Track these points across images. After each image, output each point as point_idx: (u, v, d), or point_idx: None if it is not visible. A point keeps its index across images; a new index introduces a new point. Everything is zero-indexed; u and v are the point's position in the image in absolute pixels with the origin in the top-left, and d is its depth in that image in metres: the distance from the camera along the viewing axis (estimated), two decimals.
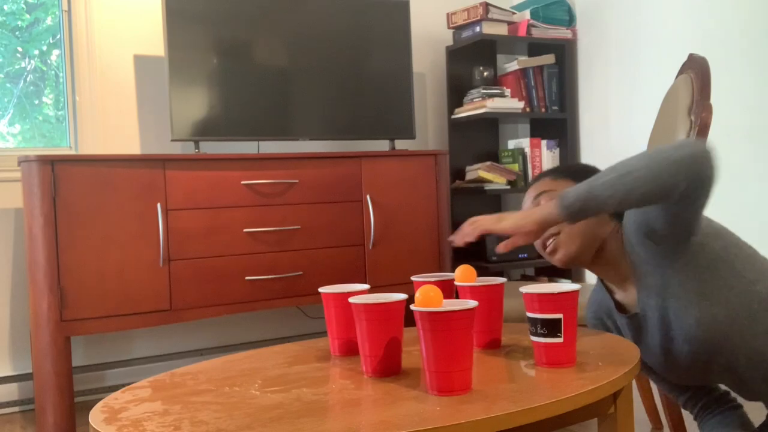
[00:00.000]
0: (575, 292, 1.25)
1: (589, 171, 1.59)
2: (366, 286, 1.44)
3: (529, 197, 1.60)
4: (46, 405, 2.43)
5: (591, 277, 3.54)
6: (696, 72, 2.04)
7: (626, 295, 1.56)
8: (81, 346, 2.96)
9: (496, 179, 3.48)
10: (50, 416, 2.42)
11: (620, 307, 1.57)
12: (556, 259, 1.52)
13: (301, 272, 2.83)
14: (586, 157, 3.63)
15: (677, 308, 1.40)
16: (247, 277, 2.73)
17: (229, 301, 2.71)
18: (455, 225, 3.56)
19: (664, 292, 1.42)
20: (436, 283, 1.46)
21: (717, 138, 2.72)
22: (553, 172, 1.61)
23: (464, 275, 1.46)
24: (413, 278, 1.52)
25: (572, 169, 1.60)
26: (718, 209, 2.91)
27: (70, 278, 2.45)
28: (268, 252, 2.78)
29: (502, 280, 1.44)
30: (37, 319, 2.42)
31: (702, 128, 1.94)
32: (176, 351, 3.15)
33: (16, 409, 2.83)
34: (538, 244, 1.56)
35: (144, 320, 2.57)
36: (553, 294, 1.24)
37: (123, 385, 2.94)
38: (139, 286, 2.56)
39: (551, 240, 1.52)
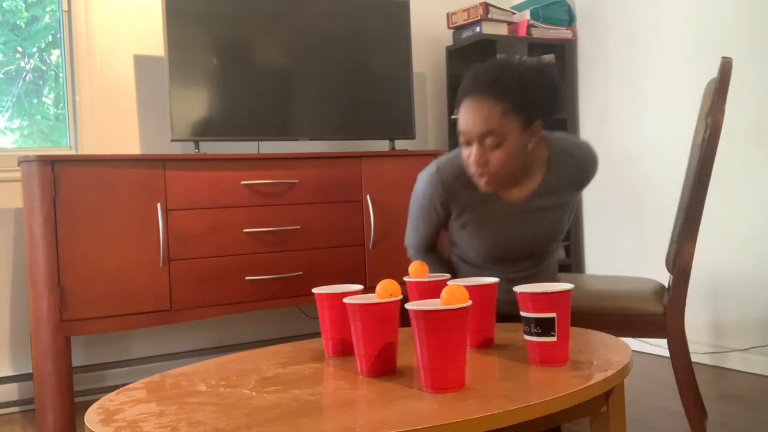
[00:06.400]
0: (568, 292, 1.26)
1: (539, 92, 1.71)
2: (359, 287, 1.44)
3: (468, 125, 1.68)
4: (46, 405, 2.43)
5: (590, 269, 3.53)
6: (719, 75, 2.04)
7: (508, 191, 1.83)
8: (81, 346, 2.97)
9: None
10: (50, 416, 2.43)
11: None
12: (485, 183, 1.72)
13: (301, 272, 2.84)
14: None
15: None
16: (247, 277, 2.74)
17: (229, 301, 2.71)
18: None
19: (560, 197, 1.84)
20: (430, 283, 1.47)
21: (723, 138, 2.72)
22: (500, 98, 1.65)
23: (418, 271, 1.50)
24: (405, 279, 1.52)
25: (521, 93, 1.66)
26: (725, 209, 2.92)
27: (70, 278, 2.46)
28: (268, 252, 2.79)
29: (495, 280, 1.44)
30: (37, 319, 2.43)
31: (713, 131, 1.94)
32: (176, 351, 3.16)
33: (16, 409, 2.83)
34: (473, 169, 1.71)
35: (144, 320, 2.58)
36: (546, 293, 1.24)
37: (123, 385, 2.95)
38: (139, 286, 2.56)
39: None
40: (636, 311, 2.04)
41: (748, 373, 2.83)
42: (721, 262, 2.95)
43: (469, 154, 1.70)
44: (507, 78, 1.62)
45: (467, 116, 1.66)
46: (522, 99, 1.62)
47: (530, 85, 1.64)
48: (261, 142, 3.17)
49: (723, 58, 2.06)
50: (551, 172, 1.81)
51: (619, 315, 2.06)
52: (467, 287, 1.41)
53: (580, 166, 1.83)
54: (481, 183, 1.73)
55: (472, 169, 1.71)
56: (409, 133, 3.31)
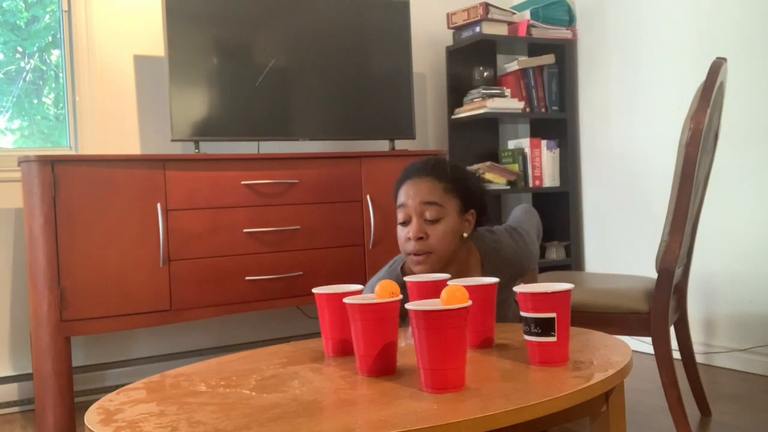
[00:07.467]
0: (568, 292, 1.26)
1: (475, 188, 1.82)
2: (359, 287, 1.44)
3: (410, 199, 1.73)
4: (46, 405, 2.43)
5: (590, 268, 3.53)
6: (706, 75, 2.03)
7: None
8: (81, 346, 2.97)
9: (496, 179, 3.48)
10: (50, 416, 2.43)
11: None
12: (421, 261, 1.73)
13: (301, 272, 2.84)
14: (586, 157, 3.63)
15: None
16: (247, 277, 2.74)
17: (229, 301, 2.71)
18: None
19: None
20: (430, 283, 1.47)
21: (722, 139, 2.72)
22: (440, 178, 1.75)
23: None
24: (406, 279, 1.52)
25: (458, 180, 1.77)
26: (725, 209, 2.92)
27: (70, 278, 2.46)
28: (268, 252, 2.79)
29: (494, 280, 1.44)
30: (37, 319, 2.43)
31: (694, 133, 1.94)
32: (176, 351, 3.16)
33: (16, 409, 2.83)
34: (409, 247, 1.73)
35: (144, 320, 2.58)
36: (546, 293, 1.24)
37: (123, 385, 2.94)
38: (139, 286, 2.56)
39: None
40: (622, 309, 2.04)
41: (749, 372, 2.83)
42: (721, 262, 2.95)
43: (407, 231, 1.74)
44: (445, 166, 1.79)
45: (409, 191, 1.74)
46: (460, 184, 1.77)
47: (466, 176, 1.81)
48: (261, 142, 3.17)
49: (717, 58, 2.06)
50: (486, 274, 1.82)
51: (605, 312, 2.06)
52: (467, 287, 1.40)
53: (515, 264, 1.89)
54: (417, 261, 1.73)
55: (409, 247, 1.73)
56: (409, 133, 3.31)
